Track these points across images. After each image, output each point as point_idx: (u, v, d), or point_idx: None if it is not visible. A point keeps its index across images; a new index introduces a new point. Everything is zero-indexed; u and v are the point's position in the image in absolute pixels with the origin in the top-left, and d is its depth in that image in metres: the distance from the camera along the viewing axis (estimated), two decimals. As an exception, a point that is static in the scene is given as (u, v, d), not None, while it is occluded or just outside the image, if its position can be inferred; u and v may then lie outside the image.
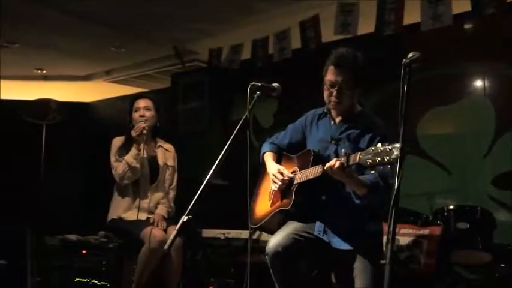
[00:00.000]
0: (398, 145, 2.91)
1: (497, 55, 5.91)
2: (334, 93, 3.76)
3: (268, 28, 6.85)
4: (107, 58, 8.72)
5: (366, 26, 5.92)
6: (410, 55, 2.90)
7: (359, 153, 3.22)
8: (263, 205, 4.06)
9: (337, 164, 3.33)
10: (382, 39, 5.87)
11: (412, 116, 6.06)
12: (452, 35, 6.01)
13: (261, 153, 4.22)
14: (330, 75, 3.76)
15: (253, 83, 3.61)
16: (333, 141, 3.81)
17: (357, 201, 3.59)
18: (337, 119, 3.90)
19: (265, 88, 3.67)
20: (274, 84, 3.72)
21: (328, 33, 6.26)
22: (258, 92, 3.61)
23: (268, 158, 4.15)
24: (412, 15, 5.66)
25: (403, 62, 2.88)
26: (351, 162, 3.28)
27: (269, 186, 4.04)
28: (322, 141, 3.89)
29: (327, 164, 3.41)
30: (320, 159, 3.67)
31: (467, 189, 6.02)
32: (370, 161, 3.08)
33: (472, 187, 5.98)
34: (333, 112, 3.93)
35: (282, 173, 3.88)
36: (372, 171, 3.38)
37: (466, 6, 5.41)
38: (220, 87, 8.48)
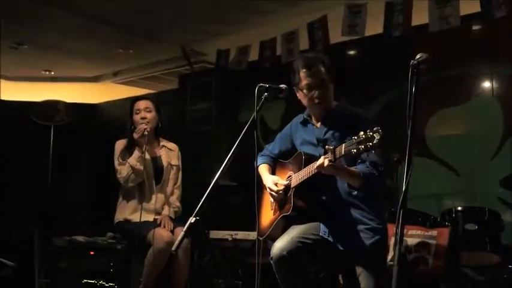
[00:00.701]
0: (379, 129, 2.97)
1: (505, 56, 5.90)
2: (316, 94, 3.78)
3: (275, 29, 6.85)
4: (114, 59, 8.75)
5: (373, 27, 5.92)
6: (418, 56, 2.89)
7: (343, 145, 3.24)
8: (267, 215, 4.07)
9: (326, 161, 3.34)
10: (390, 40, 5.87)
11: (420, 117, 6.06)
12: (460, 36, 6.00)
13: (256, 168, 4.22)
14: (304, 79, 3.79)
15: (261, 84, 3.61)
16: (320, 144, 3.83)
17: (354, 193, 3.61)
18: (318, 124, 3.93)
19: (273, 89, 3.66)
20: (281, 86, 3.71)
21: (336, 35, 6.26)
22: (266, 93, 3.61)
23: (263, 171, 4.18)
24: (420, 17, 5.65)
25: (410, 63, 2.88)
26: (337, 156, 3.30)
27: (270, 197, 4.05)
28: (309, 144, 3.93)
29: (317, 164, 3.43)
30: (312, 159, 3.67)
31: (475, 191, 6.01)
32: (354, 150, 3.11)
33: (480, 188, 5.96)
34: (313, 116, 3.97)
35: (276, 184, 3.91)
36: (359, 160, 3.51)
37: (474, 8, 5.40)
38: (228, 89, 8.49)
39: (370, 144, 3.01)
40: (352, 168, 3.56)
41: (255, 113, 3.50)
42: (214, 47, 7.65)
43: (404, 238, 3.97)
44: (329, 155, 3.34)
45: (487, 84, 6.14)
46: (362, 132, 3.08)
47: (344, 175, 3.56)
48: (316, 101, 3.80)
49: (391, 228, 3.85)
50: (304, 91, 3.81)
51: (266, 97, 3.60)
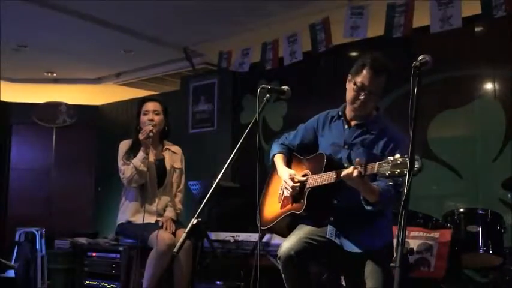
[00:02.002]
0: (419, 158, 2.86)
1: (507, 58, 5.89)
2: (363, 96, 3.67)
3: (278, 31, 6.85)
4: (117, 61, 8.75)
5: (375, 28, 5.92)
6: (420, 58, 2.89)
7: (377, 163, 3.17)
8: (272, 207, 4.03)
9: (355, 172, 3.28)
10: (392, 41, 5.86)
11: (423, 119, 6.06)
12: (462, 38, 6.00)
13: (271, 155, 4.16)
14: (364, 78, 3.65)
15: (263, 85, 3.59)
16: (345, 146, 3.76)
17: (368, 208, 3.56)
18: (352, 123, 3.84)
19: (275, 91, 3.65)
20: (283, 87, 3.69)
21: (338, 36, 6.26)
22: (268, 95, 3.59)
23: (279, 161, 4.07)
24: (421, 18, 5.65)
25: (413, 65, 2.87)
26: (368, 172, 3.25)
27: (278, 188, 4.00)
28: (334, 144, 3.83)
29: (344, 172, 3.36)
30: (333, 163, 3.63)
31: (478, 192, 6.00)
32: (388, 172, 3.04)
33: (483, 190, 5.96)
34: (349, 115, 3.87)
35: (293, 179, 3.85)
36: (390, 182, 3.39)
37: (477, 9, 5.40)
38: (230, 90, 8.49)
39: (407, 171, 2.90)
40: (374, 185, 3.49)
41: (257, 114, 3.48)
42: (217, 49, 7.65)
43: (407, 240, 3.98)
44: (360, 167, 3.30)
45: (489, 86, 6.13)
46: (399, 156, 3.03)
47: (364, 190, 3.47)
48: (357, 103, 3.71)
49: (394, 230, 3.84)
50: (355, 87, 3.69)
51: (268, 98, 3.59)
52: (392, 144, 3.57)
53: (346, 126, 3.85)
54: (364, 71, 3.66)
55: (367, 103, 3.70)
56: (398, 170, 2.99)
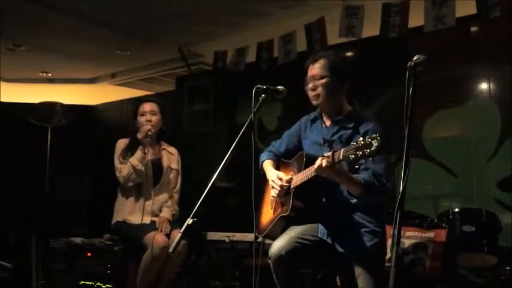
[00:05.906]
0: (377, 136, 2.97)
1: (502, 57, 5.90)
2: (310, 84, 3.87)
3: (273, 31, 6.85)
4: (112, 61, 8.74)
5: (370, 28, 5.92)
6: (415, 58, 2.90)
7: (342, 150, 3.22)
8: (267, 213, 4.06)
9: (324, 162, 3.31)
10: (387, 41, 5.87)
11: (418, 119, 6.06)
12: (458, 37, 6.01)
13: (260, 163, 4.21)
14: (307, 72, 3.90)
15: (258, 85, 3.59)
16: (325, 144, 3.81)
17: (353, 201, 3.60)
18: (328, 122, 3.91)
19: (270, 91, 3.66)
20: (279, 87, 3.70)
21: (333, 36, 6.26)
22: (263, 95, 3.60)
23: (267, 166, 4.14)
24: (417, 18, 5.66)
25: (408, 65, 2.88)
26: (336, 160, 3.27)
27: (271, 195, 4.04)
28: (315, 143, 3.90)
29: (315, 166, 3.40)
30: (313, 160, 3.65)
31: (473, 192, 6.01)
32: (352, 155, 3.10)
33: (478, 190, 5.96)
34: (324, 115, 3.95)
35: (280, 179, 3.88)
36: (362, 167, 3.51)
37: (472, 9, 5.41)
38: (225, 90, 8.49)
39: (368, 151, 3.00)
40: (354, 176, 3.54)
41: (253, 114, 3.48)
42: (212, 49, 7.65)
43: (402, 239, 3.99)
44: (328, 157, 3.33)
45: (484, 85, 6.14)
46: (361, 138, 3.08)
47: (344, 181, 3.52)
48: (311, 95, 3.86)
49: (389, 230, 3.84)
50: (305, 85, 3.88)
51: (263, 98, 3.60)
52: (363, 131, 3.62)
53: (323, 125, 3.93)
54: (307, 68, 3.91)
55: (317, 90, 3.82)
56: (360, 152, 3.05)
